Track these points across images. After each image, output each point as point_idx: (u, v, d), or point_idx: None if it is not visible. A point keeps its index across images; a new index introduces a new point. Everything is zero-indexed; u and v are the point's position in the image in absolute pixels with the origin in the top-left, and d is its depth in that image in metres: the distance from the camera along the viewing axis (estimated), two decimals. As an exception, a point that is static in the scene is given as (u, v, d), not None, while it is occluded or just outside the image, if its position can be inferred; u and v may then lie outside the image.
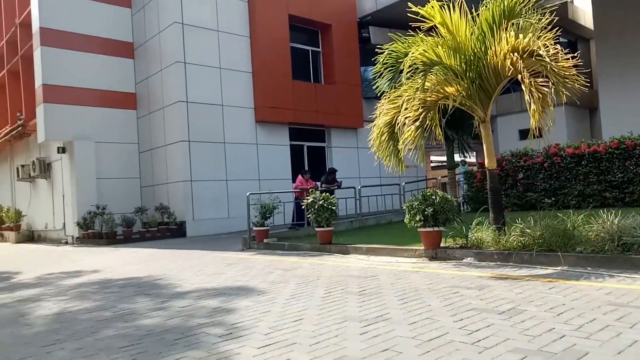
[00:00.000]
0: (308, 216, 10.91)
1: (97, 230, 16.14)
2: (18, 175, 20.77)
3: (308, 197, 10.30)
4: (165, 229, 15.84)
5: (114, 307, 5.55)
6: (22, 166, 20.33)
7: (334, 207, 9.88)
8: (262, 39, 17.38)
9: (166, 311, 5.12)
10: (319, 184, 13.91)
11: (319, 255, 9.10)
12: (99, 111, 17.38)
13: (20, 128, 19.60)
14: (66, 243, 17.40)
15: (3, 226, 22.27)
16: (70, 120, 16.75)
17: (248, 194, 11.89)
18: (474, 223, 7.44)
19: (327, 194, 10.61)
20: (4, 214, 22.30)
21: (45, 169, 18.96)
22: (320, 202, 9.89)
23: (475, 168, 14.67)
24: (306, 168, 16.95)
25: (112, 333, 4.38)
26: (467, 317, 4.00)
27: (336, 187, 13.91)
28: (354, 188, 13.76)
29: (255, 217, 11.36)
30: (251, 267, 8.00)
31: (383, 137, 7.92)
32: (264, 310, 4.81)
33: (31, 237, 21.01)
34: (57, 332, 4.58)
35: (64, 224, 18.06)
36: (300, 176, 13.83)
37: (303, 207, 11.16)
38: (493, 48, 6.91)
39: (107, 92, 17.66)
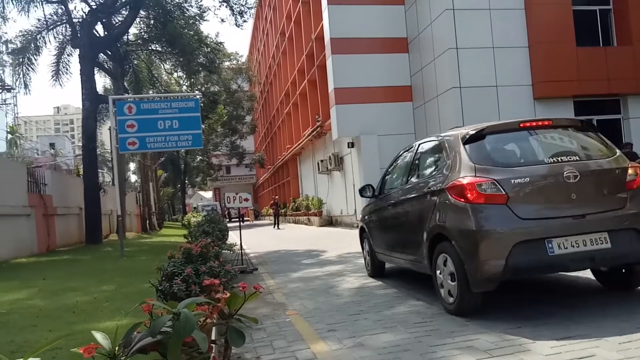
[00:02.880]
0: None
1: (382, 216, 17.68)
2: (318, 169, 24.47)
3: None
4: (444, 214, 16.24)
5: (405, 285, 6.05)
6: (321, 161, 23.85)
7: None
8: (538, 8, 15.97)
9: (453, 293, 5.32)
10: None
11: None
12: (380, 107, 18.96)
13: (318, 128, 22.98)
14: (357, 227, 19.60)
15: (309, 212, 26.53)
16: (357, 118, 18.80)
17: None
18: None
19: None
20: (309, 202, 26.55)
21: (338, 162, 21.77)
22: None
23: None
24: (598, 145, 14.85)
25: (405, 309, 4.81)
26: None
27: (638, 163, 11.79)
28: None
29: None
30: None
31: None
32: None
33: (330, 221, 24.41)
34: (360, 304, 5.27)
35: (355, 209, 20.37)
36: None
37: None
38: None
39: (386, 87, 19.12)
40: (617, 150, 4.64)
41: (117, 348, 1.21)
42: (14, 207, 13.01)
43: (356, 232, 17.65)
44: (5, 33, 49.77)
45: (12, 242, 12.69)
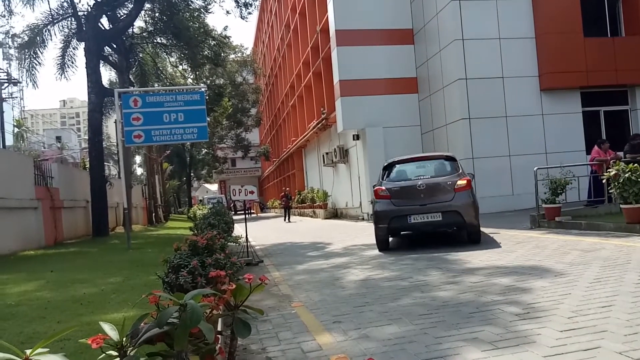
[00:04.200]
0: (610, 191, 9.56)
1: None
2: (323, 162, 24.44)
3: (610, 170, 9.03)
4: (449, 207, 16.23)
5: (410, 278, 6.05)
6: (326, 153, 23.81)
7: (645, 181, 8.39)
8: (545, -2, 15.85)
9: (458, 285, 5.33)
10: (620, 154, 11.96)
11: (626, 236, 7.92)
12: (385, 99, 18.89)
13: (323, 121, 22.93)
14: (363, 219, 19.62)
15: (314, 204, 26.57)
16: (362, 110, 18.74)
17: (536, 168, 11.15)
18: None
19: (636, 165, 9.07)
20: (315, 194, 26.57)
21: (343, 154, 21.73)
22: (627, 175, 8.54)
23: None
24: (603, 136, 14.82)
25: (410, 301, 4.81)
26: None
27: (646, 156, 11.72)
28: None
29: (545, 193, 10.58)
30: (543, 247, 7.54)
31: None
32: (564, 292, 4.52)
33: (335, 213, 24.43)
34: (365, 296, 5.28)
35: (360, 202, 20.39)
36: (596, 147, 12.17)
37: (603, 181, 9.82)
38: None
39: (392, 79, 19.04)
40: (461, 171, 8.98)
41: (124, 339, 1.22)
42: (22, 200, 13.11)
43: (362, 224, 17.70)
44: (12, 27, 49.94)
45: (20, 235, 12.80)
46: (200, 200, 48.67)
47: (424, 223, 8.47)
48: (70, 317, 4.58)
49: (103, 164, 19.51)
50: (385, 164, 9.54)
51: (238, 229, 12.92)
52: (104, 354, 1.21)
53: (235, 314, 1.37)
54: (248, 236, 10.27)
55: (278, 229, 19.98)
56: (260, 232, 18.29)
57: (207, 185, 75.76)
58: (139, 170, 55.97)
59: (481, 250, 7.85)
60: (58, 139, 58.06)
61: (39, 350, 1.12)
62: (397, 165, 9.46)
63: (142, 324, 1.22)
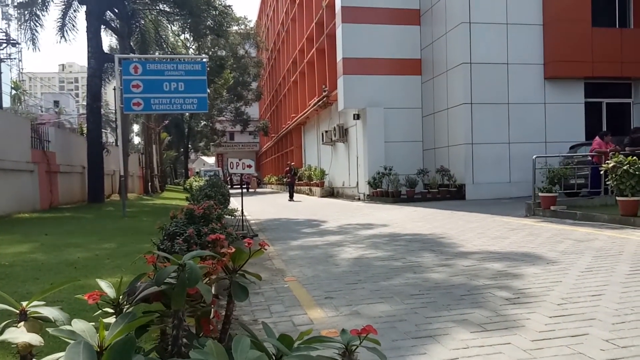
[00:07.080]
0: (607, 183, 9.59)
1: (384, 189, 17.72)
2: (322, 140, 24.34)
3: (608, 162, 9.03)
4: (445, 191, 16.27)
5: (403, 259, 6.09)
6: (326, 132, 23.71)
7: (642, 174, 8.41)
8: (555, -15, 15.62)
9: (451, 268, 5.37)
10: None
11: (619, 228, 7.97)
12: (388, 79, 18.74)
13: (324, 99, 22.77)
14: (358, 199, 19.67)
15: (311, 182, 26.58)
16: (364, 89, 18.60)
17: (534, 157, 11.15)
18: None
19: (635, 157, 9.07)
20: (312, 172, 26.55)
21: (343, 134, 21.65)
22: (625, 167, 8.55)
23: None
24: (604, 128, 14.81)
25: (402, 281, 4.85)
26: None
27: (647, 150, 11.75)
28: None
29: (542, 182, 10.61)
30: (537, 235, 7.59)
31: None
32: (555, 280, 4.56)
33: (331, 192, 24.47)
34: (357, 274, 5.32)
35: (357, 182, 20.40)
36: (598, 138, 12.18)
37: (601, 172, 9.84)
38: None
39: (395, 60, 18.85)
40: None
41: (121, 297, 1.22)
42: (18, 162, 13.05)
43: (357, 204, 17.71)
44: (11, -14, 48.77)
45: (15, 197, 12.78)
46: (197, 173, 48.59)
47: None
48: (64, 280, 4.60)
49: (101, 130, 19.39)
50: (570, 147, 14.42)
51: (234, 203, 12.94)
52: (100, 310, 1.21)
53: (233, 277, 1.37)
54: (244, 210, 10.28)
55: (274, 205, 20.01)
56: (256, 207, 18.32)
57: (204, 157, 75.55)
58: (137, 139, 55.73)
59: (475, 234, 7.90)
60: (56, 103, 57.62)
61: (35, 302, 1.12)
62: (572, 147, 14.21)
63: (138, 283, 1.22)
